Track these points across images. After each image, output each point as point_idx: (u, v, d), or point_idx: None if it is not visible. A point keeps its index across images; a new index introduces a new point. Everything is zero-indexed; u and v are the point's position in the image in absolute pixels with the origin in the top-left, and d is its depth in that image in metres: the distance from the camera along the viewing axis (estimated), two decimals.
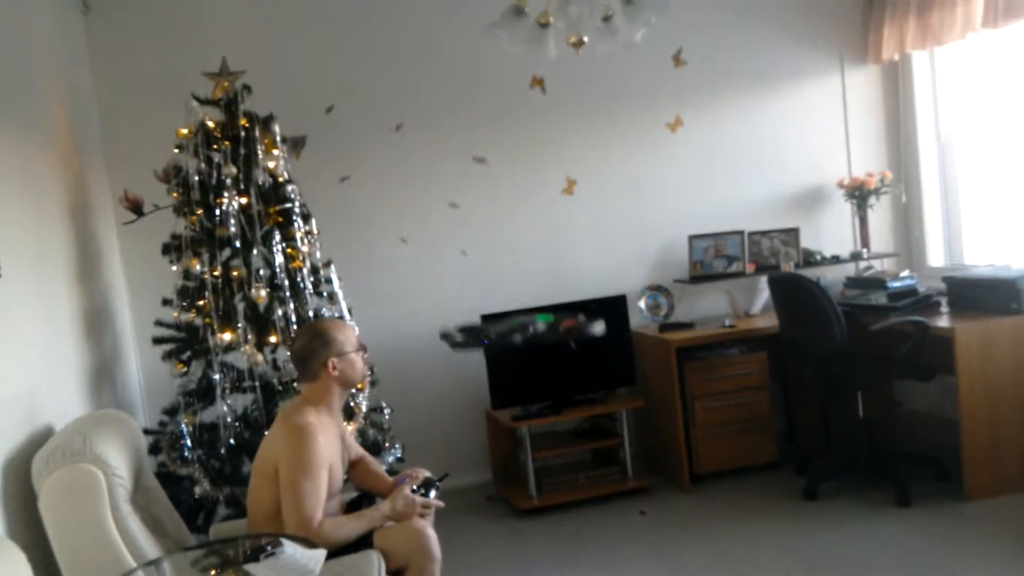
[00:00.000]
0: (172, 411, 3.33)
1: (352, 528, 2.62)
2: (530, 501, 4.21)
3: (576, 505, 4.21)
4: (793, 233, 4.76)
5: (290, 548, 2.22)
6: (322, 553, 2.18)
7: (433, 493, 2.81)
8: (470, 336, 2.83)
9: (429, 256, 4.58)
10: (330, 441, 2.69)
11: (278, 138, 3.45)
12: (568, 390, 4.39)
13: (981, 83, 4.65)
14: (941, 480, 3.96)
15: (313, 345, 2.70)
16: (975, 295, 4.00)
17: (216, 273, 3.22)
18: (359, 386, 3.27)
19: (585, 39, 2.82)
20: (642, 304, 4.68)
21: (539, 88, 4.65)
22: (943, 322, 3.90)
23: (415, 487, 2.78)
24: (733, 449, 4.38)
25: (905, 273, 4.43)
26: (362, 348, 2.82)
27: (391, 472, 3.11)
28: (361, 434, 3.40)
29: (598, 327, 3.74)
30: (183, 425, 3.22)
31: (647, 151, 4.81)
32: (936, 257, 4.96)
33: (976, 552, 3.29)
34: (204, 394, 3.32)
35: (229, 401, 3.28)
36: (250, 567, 2.12)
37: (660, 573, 3.43)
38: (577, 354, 4.36)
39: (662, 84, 4.77)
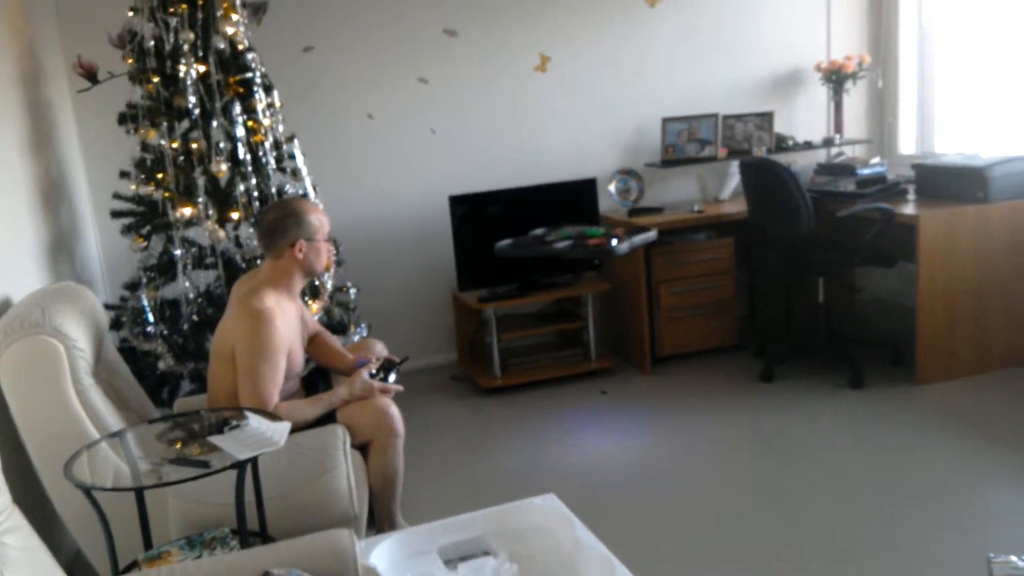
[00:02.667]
0: (133, 286, 3.29)
1: (308, 412, 2.63)
2: (494, 380, 4.27)
3: (539, 385, 4.29)
4: (767, 117, 4.70)
5: (254, 420, 2.24)
6: (286, 426, 2.20)
7: (392, 376, 2.82)
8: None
9: (397, 133, 4.47)
10: (289, 323, 2.66)
11: (238, 2, 3.28)
12: (535, 273, 4.40)
13: None
14: (895, 365, 4.08)
15: (286, 222, 2.64)
16: (943, 183, 4.01)
17: (175, 145, 3.11)
18: (325, 266, 3.24)
19: None
20: (612, 188, 4.64)
21: None
22: (909, 209, 3.92)
23: (373, 371, 2.78)
24: (695, 332, 4.45)
25: (875, 160, 4.42)
26: (331, 240, 2.77)
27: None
28: (327, 313, 3.39)
29: (623, 246, 3.67)
30: (144, 301, 3.18)
31: (624, 28, 4.66)
32: (908, 145, 4.94)
33: (922, 432, 3.42)
34: (165, 269, 3.26)
35: (191, 277, 3.24)
36: (215, 438, 2.13)
37: (617, 447, 3.54)
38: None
39: None
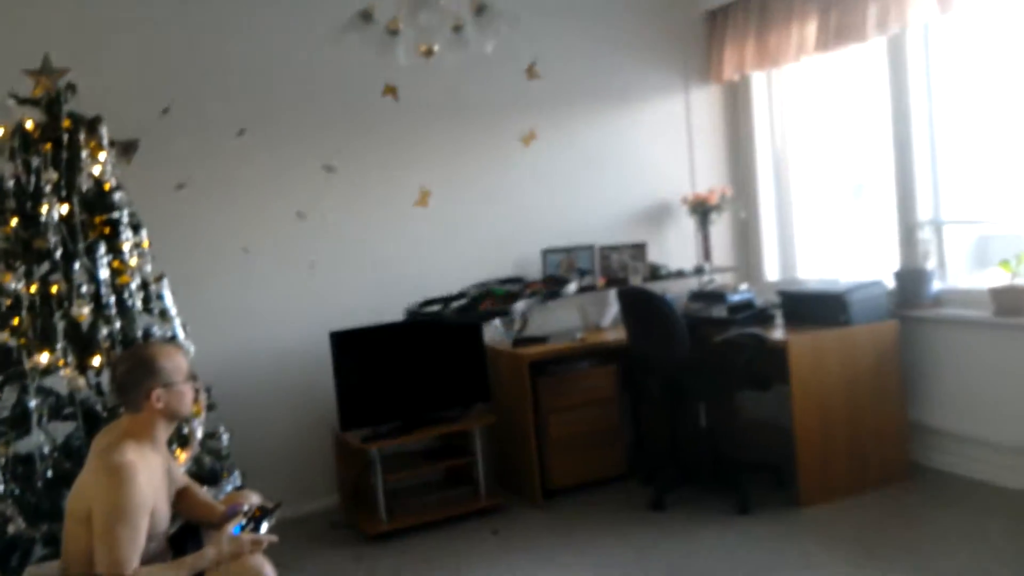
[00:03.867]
0: None
1: None
2: (380, 525, 4.07)
3: (427, 528, 4.11)
4: (641, 248, 4.88)
5: None
6: None
7: (265, 525, 2.63)
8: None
9: (274, 269, 4.37)
10: (153, 480, 2.46)
11: (105, 141, 3.19)
12: (420, 408, 4.30)
13: (815, 102, 4.95)
14: (778, 487, 4.14)
15: (135, 374, 2.48)
16: (807, 308, 4.22)
17: (33, 289, 2.93)
18: (194, 411, 3.05)
19: (436, 48, 2.77)
20: (496, 320, 4.65)
21: (392, 96, 4.53)
22: (778, 334, 4.09)
23: (243, 523, 2.60)
24: (584, 462, 4.41)
25: (744, 287, 4.63)
26: (193, 378, 2.61)
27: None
28: (196, 462, 3.17)
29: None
30: None
31: (501, 164, 4.80)
32: (772, 271, 5.21)
33: (807, 556, 3.45)
34: (19, 422, 3.00)
35: (47, 429, 2.99)
36: None
37: None
38: (429, 372, 4.30)
39: (517, 97, 4.76)
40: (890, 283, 4.26)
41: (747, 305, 4.39)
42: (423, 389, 4.32)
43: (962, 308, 4.07)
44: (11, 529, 2.90)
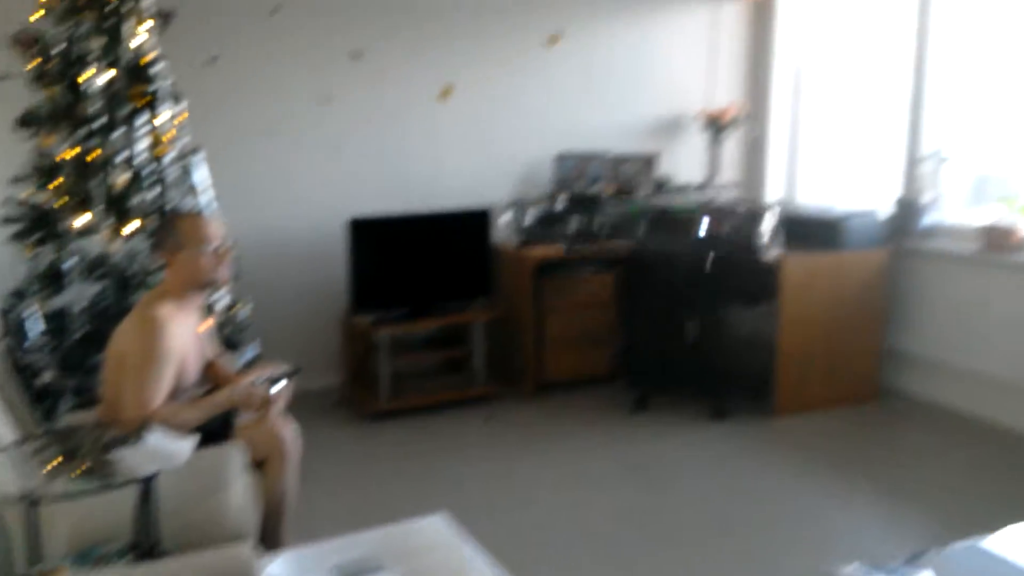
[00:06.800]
0: (20, 294, 3.20)
1: (190, 415, 2.59)
2: (381, 405, 4.33)
3: (425, 410, 4.38)
4: (652, 159, 5.00)
5: (154, 437, 2.25)
6: (188, 444, 2.23)
7: (281, 384, 2.80)
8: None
9: (298, 151, 4.50)
10: (184, 336, 2.66)
11: (148, 11, 3.26)
12: (427, 298, 4.51)
13: (838, 28, 4.98)
14: (755, 399, 4.40)
15: (161, 235, 2.70)
16: (804, 231, 4.39)
17: (73, 153, 3.07)
18: (221, 282, 3.24)
19: None
20: (505, 219, 4.81)
21: None
22: (774, 253, 4.27)
23: (260, 379, 2.80)
24: (577, 361, 4.67)
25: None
26: (219, 247, 2.70)
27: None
28: (219, 329, 3.39)
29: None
30: (31, 311, 3.10)
31: (524, 65, 4.87)
32: (775, 192, 5.36)
33: (775, 460, 3.74)
34: (54, 280, 3.20)
35: (81, 288, 3.19)
36: (117, 453, 2.14)
37: (496, 472, 3.69)
38: (438, 264, 4.49)
39: None
40: (887, 212, 4.42)
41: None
42: (431, 280, 4.52)
43: (952, 242, 4.25)
44: (45, 378, 3.12)
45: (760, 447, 3.88)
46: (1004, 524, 2.07)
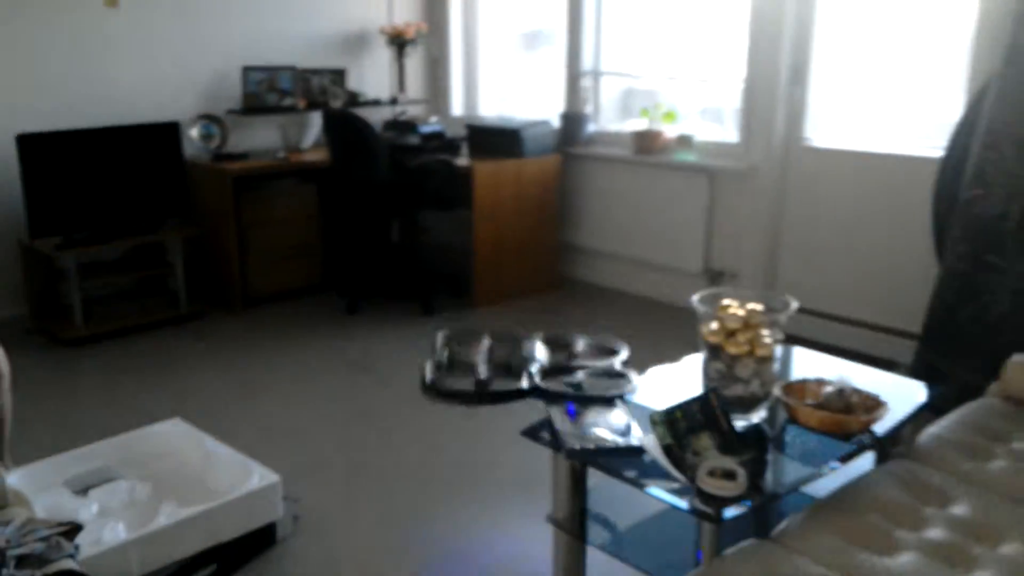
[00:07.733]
0: None
1: None
2: (77, 330, 4.09)
3: (127, 333, 4.22)
4: (340, 74, 5.09)
5: None
6: None
7: None
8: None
9: None
10: None
11: None
12: (116, 217, 4.27)
13: None
14: (456, 295, 4.80)
15: None
16: (489, 140, 4.79)
17: None
18: None
19: None
20: (194, 133, 4.65)
21: None
22: (464, 161, 4.63)
23: None
24: (284, 274, 4.74)
25: (434, 119, 5.08)
26: None
27: None
28: None
29: None
30: None
31: None
32: (458, 106, 5.72)
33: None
34: None
35: None
36: None
37: (219, 381, 3.71)
38: (125, 181, 4.27)
39: None
40: (556, 124, 4.96)
41: (438, 135, 4.86)
42: (119, 198, 4.28)
43: (609, 147, 4.90)
44: None
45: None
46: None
